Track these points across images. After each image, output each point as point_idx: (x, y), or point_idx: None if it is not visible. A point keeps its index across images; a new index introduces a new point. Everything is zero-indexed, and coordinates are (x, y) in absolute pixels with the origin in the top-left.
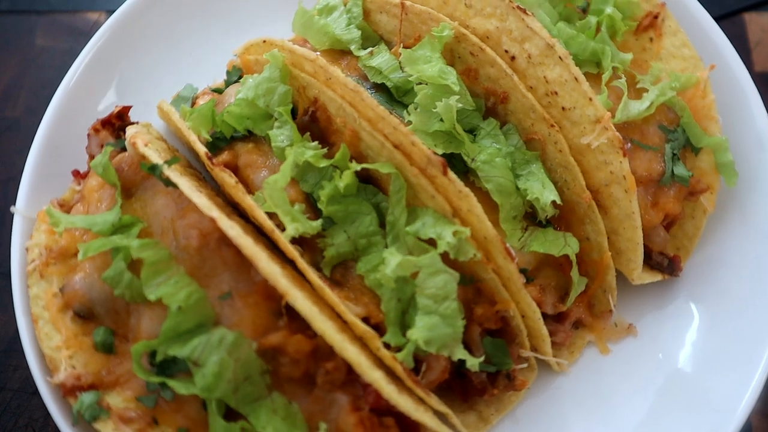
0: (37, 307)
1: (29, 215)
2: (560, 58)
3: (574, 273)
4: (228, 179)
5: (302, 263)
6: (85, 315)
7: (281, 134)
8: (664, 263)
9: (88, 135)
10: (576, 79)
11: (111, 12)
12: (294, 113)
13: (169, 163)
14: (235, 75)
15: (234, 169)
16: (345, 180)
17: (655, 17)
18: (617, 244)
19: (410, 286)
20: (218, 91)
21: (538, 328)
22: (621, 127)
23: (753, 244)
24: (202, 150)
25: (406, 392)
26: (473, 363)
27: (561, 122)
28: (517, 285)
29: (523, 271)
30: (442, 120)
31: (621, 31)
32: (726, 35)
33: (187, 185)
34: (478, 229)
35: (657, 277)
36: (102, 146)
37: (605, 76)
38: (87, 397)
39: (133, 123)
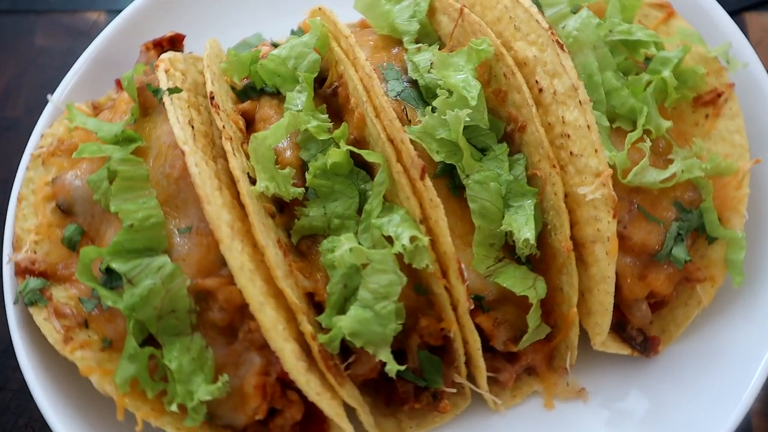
0: (27, 189)
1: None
2: (580, 102)
3: (531, 317)
4: (217, 119)
5: (253, 218)
6: (65, 209)
7: (297, 99)
8: (638, 339)
9: (141, 51)
10: (588, 126)
11: (111, 12)
12: (323, 84)
13: (170, 90)
14: (299, 34)
15: (251, 120)
16: (333, 157)
17: (719, 95)
18: (589, 304)
19: (360, 276)
20: (276, 45)
21: (476, 358)
22: (632, 189)
23: (751, 344)
24: (209, 88)
25: (317, 374)
26: (392, 369)
27: (567, 167)
28: (463, 308)
29: (479, 298)
30: (450, 129)
31: (672, 98)
32: None
33: (175, 114)
34: (440, 242)
35: (625, 350)
36: (147, 64)
37: (632, 135)
38: (33, 282)
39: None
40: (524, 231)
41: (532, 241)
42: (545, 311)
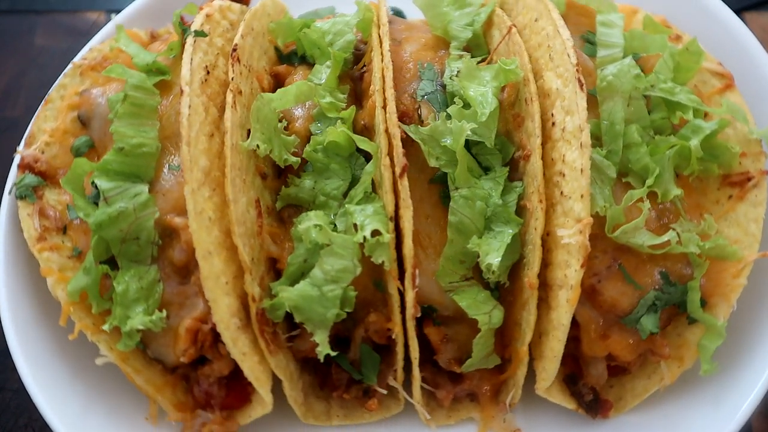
0: (57, 93)
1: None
2: (581, 144)
3: (478, 342)
4: (230, 71)
5: (228, 170)
6: (83, 121)
7: (322, 73)
8: (587, 397)
9: None
10: (582, 170)
11: (110, 12)
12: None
13: (197, 33)
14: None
15: (282, 84)
16: (331, 136)
17: (748, 179)
18: (543, 347)
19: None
20: None
21: (413, 366)
22: (620, 246)
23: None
24: (235, 40)
25: (251, 336)
26: (322, 351)
27: (555, 206)
28: (409, 314)
29: (432, 309)
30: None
31: (694, 168)
32: None
33: (189, 55)
34: (404, 243)
35: (570, 404)
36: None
37: (634, 193)
38: (29, 178)
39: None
40: (492, 256)
41: (495, 268)
42: (502, 343)
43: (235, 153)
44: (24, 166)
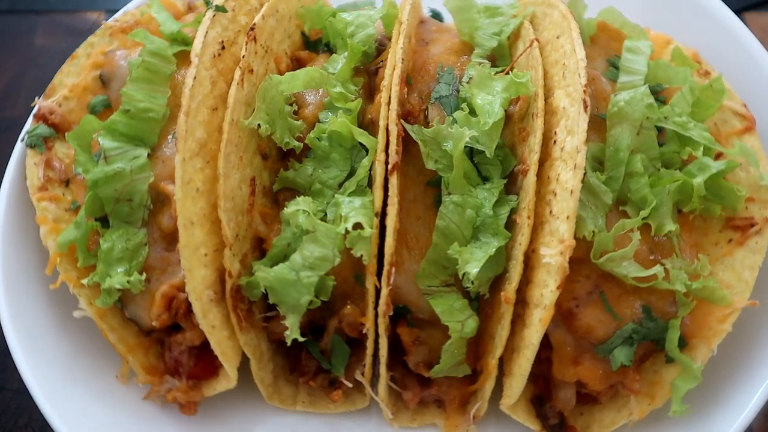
0: (83, 51)
1: None
2: (575, 165)
3: (447, 349)
4: (243, 48)
5: (224, 145)
6: (104, 81)
7: (337, 62)
8: (552, 420)
9: None
10: (571, 192)
11: (111, 12)
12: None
13: (217, 8)
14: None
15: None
16: (333, 125)
17: (751, 225)
18: (512, 364)
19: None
20: None
21: (381, 363)
22: (604, 274)
23: None
24: (255, 19)
25: (223, 310)
26: (290, 335)
27: (544, 224)
28: (381, 310)
29: (407, 310)
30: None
31: (694, 206)
32: None
33: (205, 29)
34: (386, 240)
35: (534, 424)
36: None
37: (627, 222)
38: (43, 129)
39: None
40: (471, 265)
41: (472, 278)
42: (476, 355)
43: (234, 129)
44: (39, 117)
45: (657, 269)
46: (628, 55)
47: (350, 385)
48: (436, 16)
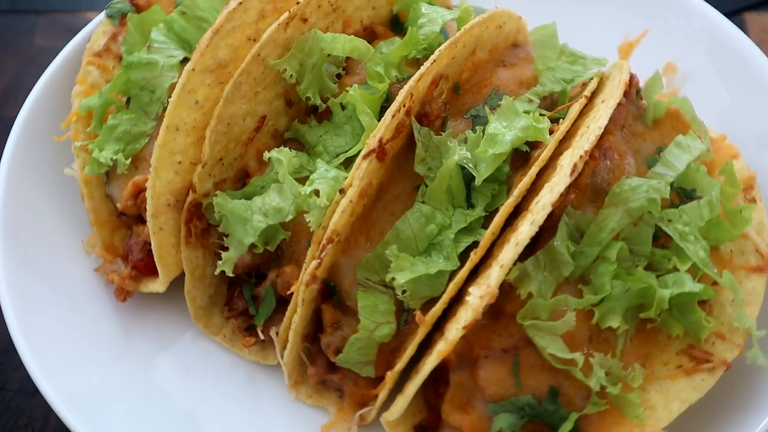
0: None
1: None
2: (532, 222)
3: (352, 341)
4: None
5: (238, 73)
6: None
7: (392, 45)
8: None
9: None
10: (516, 243)
11: None
12: None
13: None
14: None
15: (371, 41)
16: (347, 97)
17: (706, 361)
18: (408, 384)
19: None
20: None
21: (291, 330)
22: (529, 341)
23: None
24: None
25: (176, 217)
26: (222, 264)
27: (491, 265)
28: (304, 279)
29: (333, 289)
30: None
31: (652, 314)
32: None
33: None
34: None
35: None
36: None
37: (570, 299)
38: (124, 5)
39: None
40: (401, 273)
41: (397, 285)
42: (389, 364)
43: (257, 63)
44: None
45: (577, 356)
46: (674, 149)
47: (262, 337)
48: None
